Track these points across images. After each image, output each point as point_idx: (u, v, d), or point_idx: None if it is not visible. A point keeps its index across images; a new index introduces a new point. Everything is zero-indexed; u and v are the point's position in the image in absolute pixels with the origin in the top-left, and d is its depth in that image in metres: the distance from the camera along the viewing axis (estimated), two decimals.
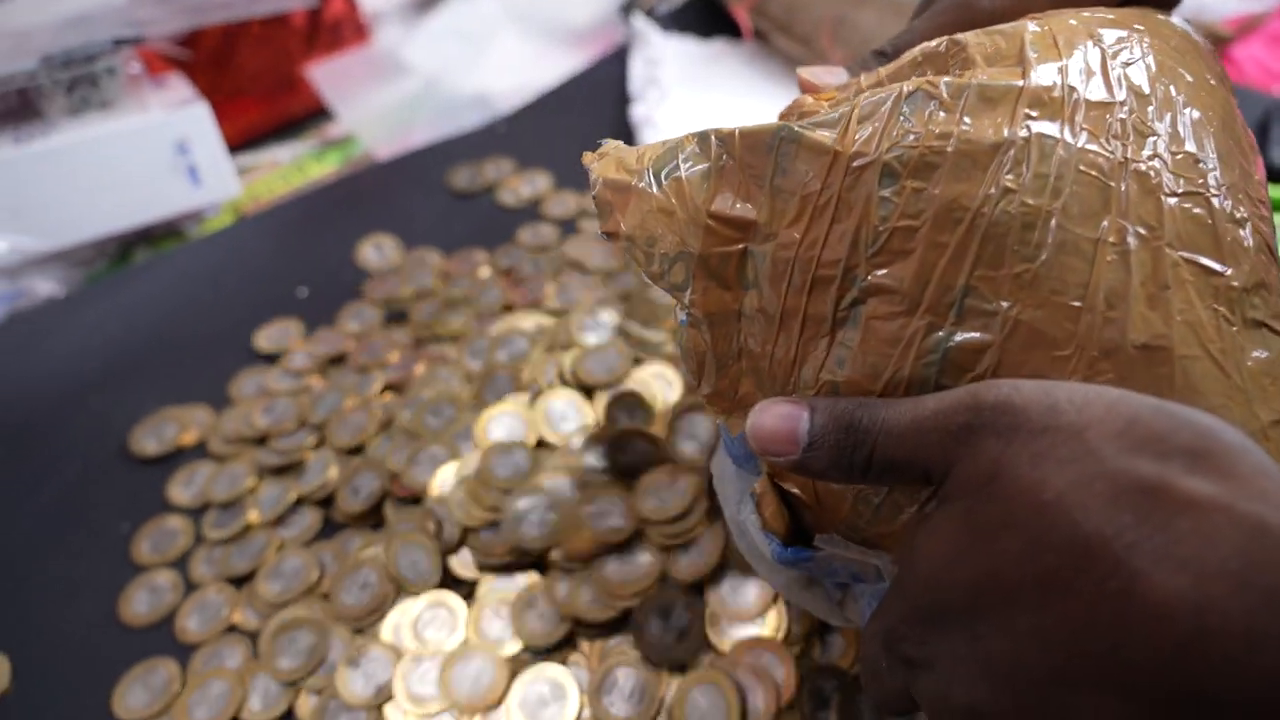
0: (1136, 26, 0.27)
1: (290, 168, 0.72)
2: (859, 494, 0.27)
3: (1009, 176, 0.24)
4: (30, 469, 0.51)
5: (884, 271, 0.25)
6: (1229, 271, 0.25)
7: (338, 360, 0.56)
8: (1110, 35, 0.26)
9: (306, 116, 0.76)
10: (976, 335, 0.25)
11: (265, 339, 0.57)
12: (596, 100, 0.74)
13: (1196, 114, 0.26)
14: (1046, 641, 0.20)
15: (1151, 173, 0.25)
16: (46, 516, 0.49)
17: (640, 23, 0.77)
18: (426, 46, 0.77)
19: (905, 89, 0.26)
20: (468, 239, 0.63)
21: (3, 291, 0.59)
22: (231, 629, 0.44)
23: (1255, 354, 0.26)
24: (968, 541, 0.22)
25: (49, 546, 0.48)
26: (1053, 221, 0.24)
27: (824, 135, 0.26)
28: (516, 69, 0.77)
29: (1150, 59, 0.26)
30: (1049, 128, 0.25)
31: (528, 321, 0.55)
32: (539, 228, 0.63)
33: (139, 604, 0.45)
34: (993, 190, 0.25)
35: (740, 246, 0.28)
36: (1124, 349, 0.24)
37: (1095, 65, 0.26)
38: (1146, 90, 0.26)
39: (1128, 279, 0.24)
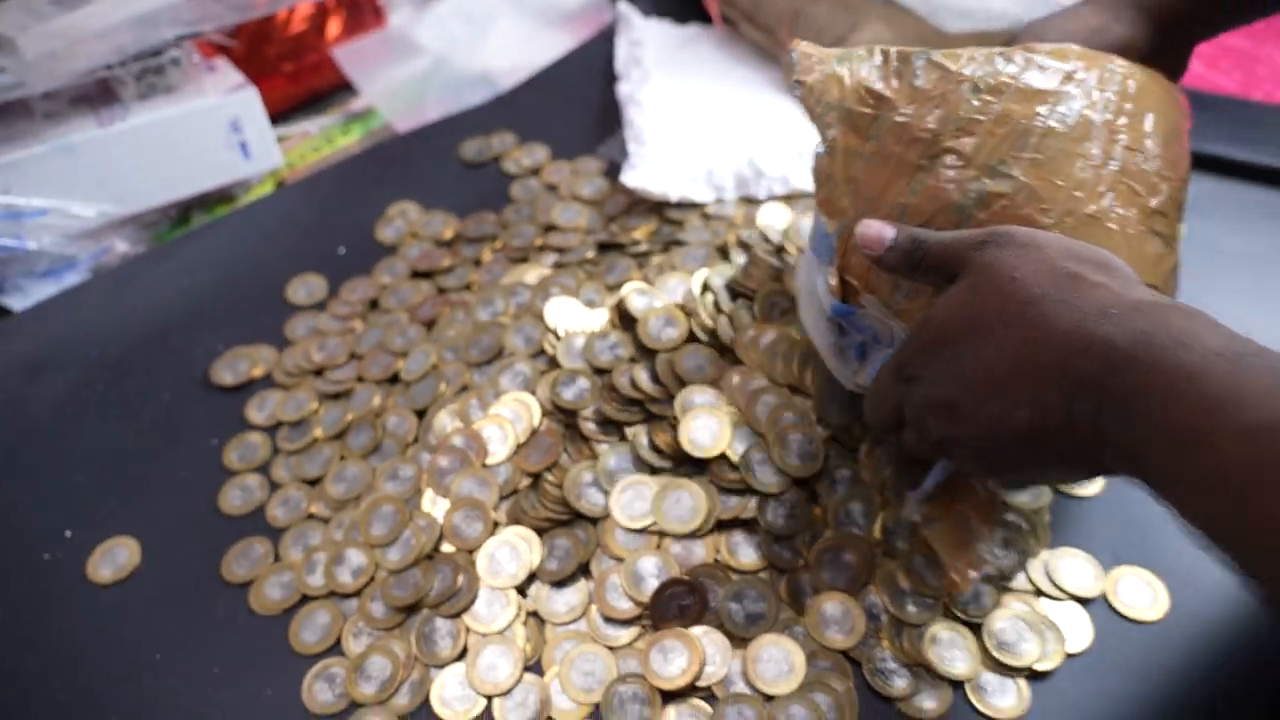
0: (1135, 68, 0.45)
1: (319, 138, 0.83)
2: (895, 284, 0.44)
3: (1043, 108, 0.42)
4: (130, 395, 0.63)
5: (958, 141, 0.42)
6: (1149, 199, 0.43)
7: (374, 305, 0.68)
8: (1119, 63, 0.45)
9: (330, 92, 0.86)
10: (1001, 186, 0.42)
11: (304, 290, 0.69)
12: (586, 78, 0.85)
13: (1154, 117, 0.44)
14: (999, 354, 0.36)
15: (1119, 133, 0.43)
16: (149, 432, 0.61)
17: (624, 6, 0.88)
18: (435, 28, 0.87)
19: (998, 51, 0.44)
20: (478, 204, 0.74)
21: (91, 250, 0.70)
22: (310, 516, 0.56)
23: (1149, 249, 0.43)
24: (968, 298, 0.38)
25: (155, 455, 0.60)
26: (1059, 139, 0.42)
27: (945, 60, 0.44)
28: (515, 49, 0.87)
29: (1135, 82, 0.44)
30: (1073, 90, 0.43)
31: (531, 274, 0.67)
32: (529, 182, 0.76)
33: (234, 499, 0.57)
34: (1031, 113, 0.42)
35: (875, 111, 0.45)
36: (1079, 214, 0.42)
37: (1104, 72, 0.44)
38: (1132, 93, 0.44)
39: (1092, 179, 0.42)
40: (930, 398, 0.39)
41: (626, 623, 0.49)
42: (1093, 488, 0.53)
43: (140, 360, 0.65)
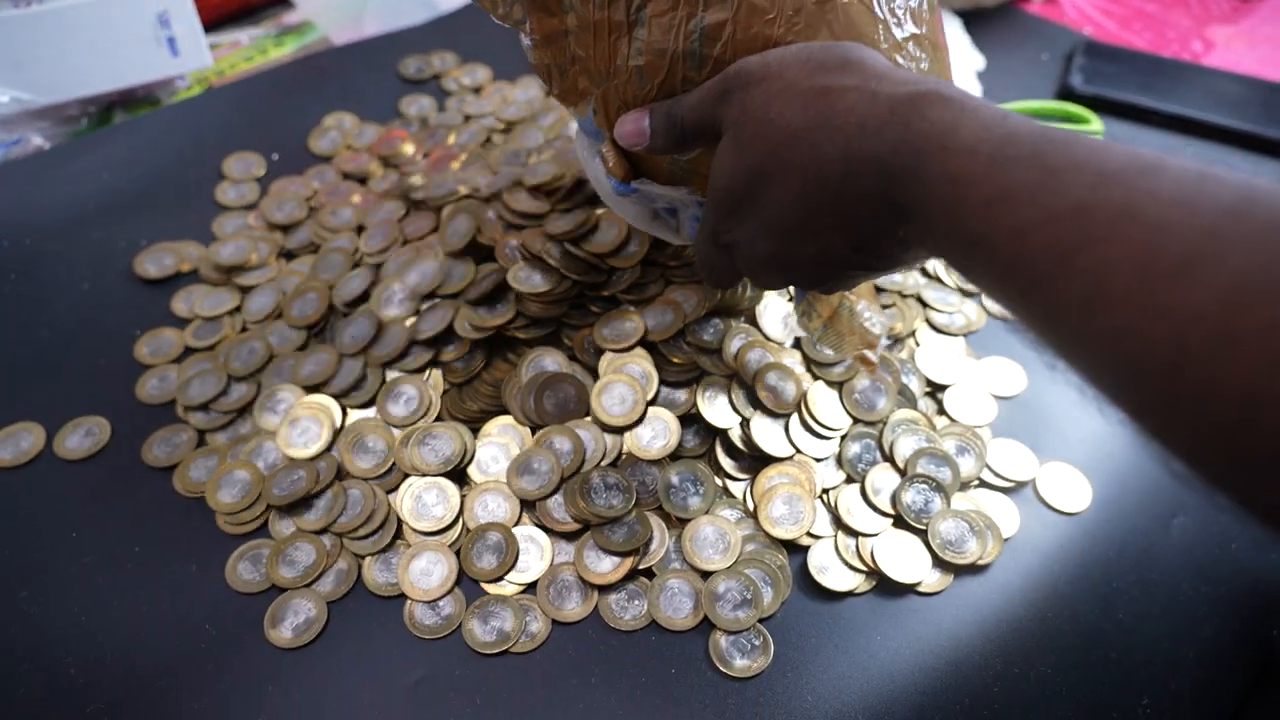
0: None
1: (251, 49, 0.80)
2: (672, 159, 0.43)
3: None
4: (44, 284, 0.60)
5: None
6: None
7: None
8: None
9: (264, 5, 0.84)
10: (718, 15, 0.38)
11: (234, 192, 0.67)
12: None
13: None
14: (789, 200, 0.35)
15: None
16: (65, 322, 0.58)
17: None
18: None
19: None
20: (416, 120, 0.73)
21: (3, 141, 0.66)
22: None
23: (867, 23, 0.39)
24: (737, 155, 0.37)
25: (71, 345, 0.57)
26: None
27: None
28: None
29: None
30: None
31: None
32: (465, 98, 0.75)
33: (152, 389, 0.55)
34: None
35: None
36: (807, 7, 0.38)
37: None
38: None
39: None
40: (751, 257, 0.39)
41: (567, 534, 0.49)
42: (1020, 390, 0.56)
43: (56, 251, 0.62)
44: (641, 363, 0.52)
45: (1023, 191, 0.28)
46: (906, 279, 0.59)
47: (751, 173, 0.36)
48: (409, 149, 0.68)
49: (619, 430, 0.50)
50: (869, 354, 0.47)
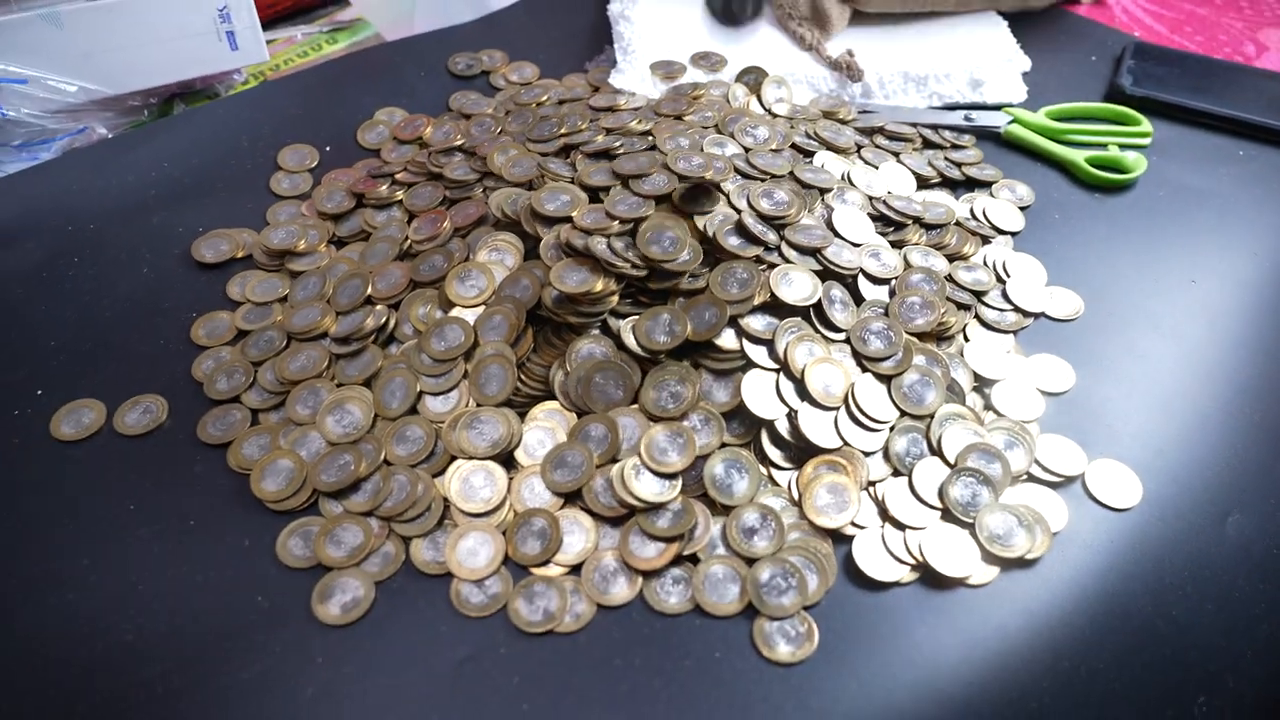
0: None
1: (305, 44, 0.82)
2: None
3: None
4: (106, 267, 0.62)
5: None
6: None
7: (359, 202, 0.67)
8: None
9: (319, 2, 0.85)
10: None
11: (288, 181, 0.68)
12: (576, 4, 0.85)
13: None
14: None
15: None
16: (124, 304, 0.60)
17: None
18: None
19: None
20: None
21: (69, 130, 0.68)
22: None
23: None
24: None
25: (132, 325, 0.58)
26: None
27: None
28: None
29: None
30: None
31: None
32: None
33: (207, 368, 0.56)
34: None
35: None
36: None
37: None
38: None
39: None
40: None
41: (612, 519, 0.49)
42: (1068, 387, 0.55)
43: (118, 236, 0.64)
44: (682, 375, 0.52)
45: None
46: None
47: None
48: (429, 131, 0.70)
49: (671, 476, 0.50)
50: None
